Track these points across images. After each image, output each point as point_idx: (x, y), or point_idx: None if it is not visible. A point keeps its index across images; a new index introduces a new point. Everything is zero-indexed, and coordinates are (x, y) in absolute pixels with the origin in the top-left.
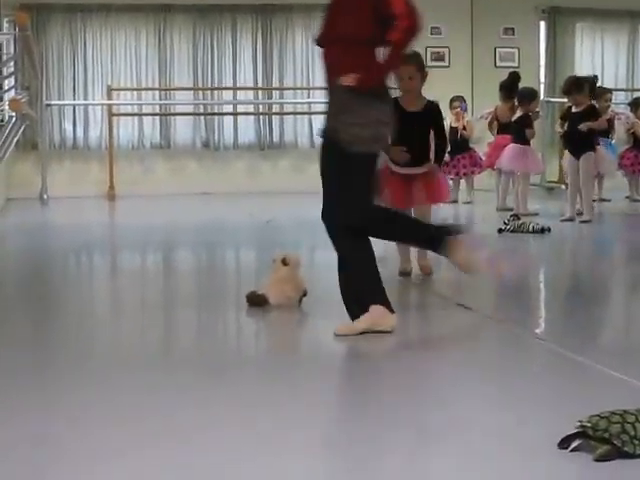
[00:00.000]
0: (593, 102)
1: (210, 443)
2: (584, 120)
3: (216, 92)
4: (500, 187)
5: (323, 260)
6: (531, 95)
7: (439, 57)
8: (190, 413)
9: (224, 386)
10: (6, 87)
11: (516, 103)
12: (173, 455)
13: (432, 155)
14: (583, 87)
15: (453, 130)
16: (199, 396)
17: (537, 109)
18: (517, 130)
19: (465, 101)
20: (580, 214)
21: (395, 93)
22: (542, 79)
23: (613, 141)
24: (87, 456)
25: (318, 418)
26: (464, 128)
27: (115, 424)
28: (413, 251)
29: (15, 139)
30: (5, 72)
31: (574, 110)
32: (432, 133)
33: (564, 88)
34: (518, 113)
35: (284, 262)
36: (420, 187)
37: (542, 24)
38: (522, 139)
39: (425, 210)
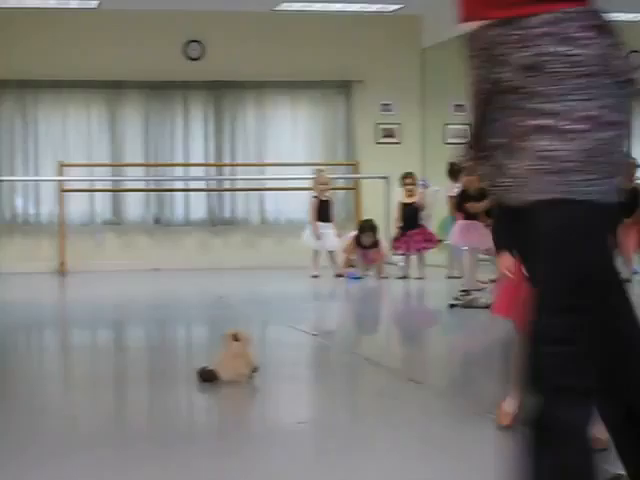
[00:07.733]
0: None
1: None
2: None
3: (168, 168)
4: (448, 261)
5: (274, 336)
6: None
7: (389, 133)
8: None
9: (176, 461)
10: None
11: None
12: None
13: None
14: None
15: (405, 206)
16: (151, 471)
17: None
18: (459, 206)
19: (424, 180)
20: None
21: None
22: None
23: None
24: None
25: None
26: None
27: None
28: None
29: None
30: None
31: None
32: None
33: None
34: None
35: (235, 338)
36: None
37: None
38: (468, 214)
39: None
